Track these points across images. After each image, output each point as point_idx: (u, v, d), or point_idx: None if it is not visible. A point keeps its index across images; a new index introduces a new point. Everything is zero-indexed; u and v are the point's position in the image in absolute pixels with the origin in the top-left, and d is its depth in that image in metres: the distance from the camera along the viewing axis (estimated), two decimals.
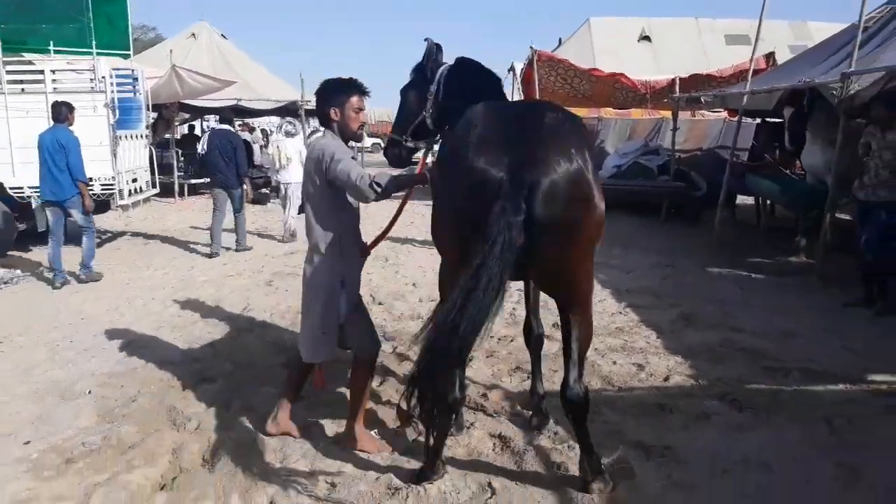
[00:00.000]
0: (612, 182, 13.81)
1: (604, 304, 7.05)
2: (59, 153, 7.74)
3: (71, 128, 8.02)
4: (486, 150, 3.00)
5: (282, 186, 11.24)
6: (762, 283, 8.18)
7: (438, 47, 4.29)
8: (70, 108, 8.07)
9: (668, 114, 16.51)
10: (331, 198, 3.67)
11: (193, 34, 20.50)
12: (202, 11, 32.90)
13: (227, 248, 10.20)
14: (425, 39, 4.28)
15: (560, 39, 26.33)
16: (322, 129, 3.88)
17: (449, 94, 4.15)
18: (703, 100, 12.89)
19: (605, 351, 5.59)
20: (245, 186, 10.48)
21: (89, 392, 4.71)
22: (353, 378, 3.94)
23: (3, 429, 4.19)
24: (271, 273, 8.65)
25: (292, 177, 10.77)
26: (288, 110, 18.10)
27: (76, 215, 8.08)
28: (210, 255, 9.79)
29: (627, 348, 5.69)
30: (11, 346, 5.78)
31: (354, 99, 3.75)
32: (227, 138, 10.09)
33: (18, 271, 8.75)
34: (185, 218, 13.84)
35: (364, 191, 3.46)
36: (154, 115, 14.52)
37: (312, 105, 19.66)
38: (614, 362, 5.31)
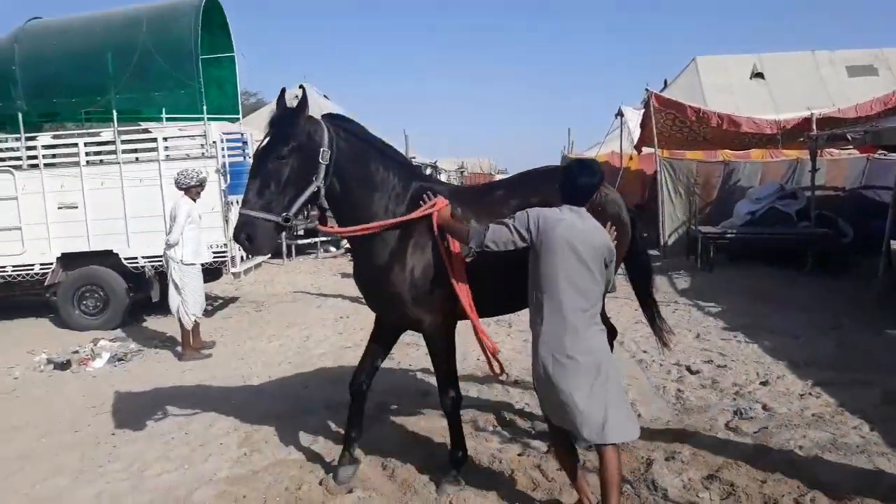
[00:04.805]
0: (745, 230, 12.68)
1: (784, 381, 5.94)
2: None
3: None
4: None
5: None
6: None
7: None
8: None
9: (793, 153, 15.17)
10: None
11: (296, 96, 20.69)
12: (304, 74, 33.70)
13: (345, 317, 9.70)
14: (300, 86, 3.64)
15: (665, 81, 25.20)
16: (573, 207, 3.53)
17: (354, 159, 3.77)
18: (849, 136, 11.59)
19: (812, 449, 4.51)
20: None
21: None
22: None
23: None
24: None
25: None
26: None
27: None
28: None
29: (841, 446, 4.57)
30: (123, 440, 5.25)
31: None
32: None
33: (132, 345, 8.46)
34: (294, 280, 13.53)
35: None
36: None
37: (416, 161, 19.48)
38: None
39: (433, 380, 6.31)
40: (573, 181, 3.53)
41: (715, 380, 6.06)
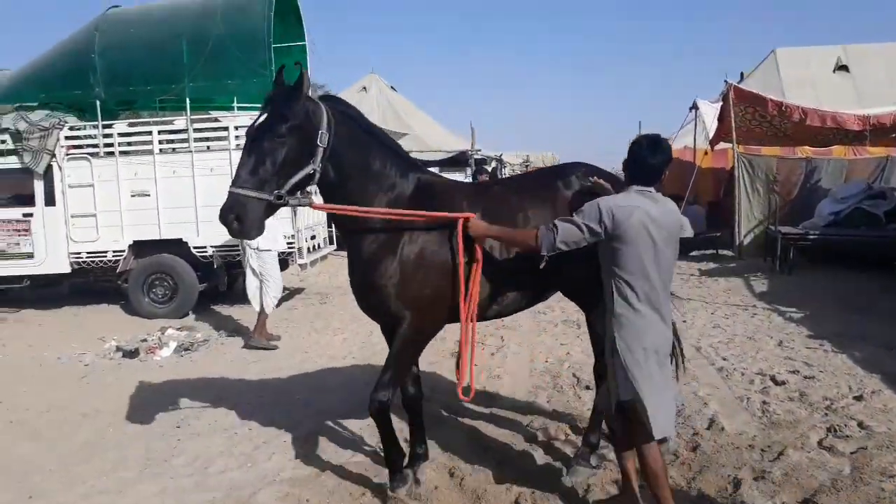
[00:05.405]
0: (828, 231, 12.01)
1: (881, 397, 5.45)
2: None
3: None
4: None
5: None
6: None
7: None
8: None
9: (879, 151, 14.29)
10: None
11: (364, 87, 20.72)
12: (372, 66, 33.35)
13: None
14: (296, 64, 3.47)
15: (742, 73, 24.24)
16: (642, 188, 3.35)
17: (352, 145, 3.54)
18: None
19: None
20: None
21: None
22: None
23: None
24: (455, 342, 7.76)
25: None
26: (456, 161, 17.61)
27: None
28: None
29: None
30: (188, 433, 5.22)
31: None
32: None
33: (199, 335, 8.52)
34: None
35: None
36: None
37: (481, 154, 19.25)
38: None
39: (501, 382, 6.13)
40: (643, 160, 3.33)
41: (803, 392, 5.65)
